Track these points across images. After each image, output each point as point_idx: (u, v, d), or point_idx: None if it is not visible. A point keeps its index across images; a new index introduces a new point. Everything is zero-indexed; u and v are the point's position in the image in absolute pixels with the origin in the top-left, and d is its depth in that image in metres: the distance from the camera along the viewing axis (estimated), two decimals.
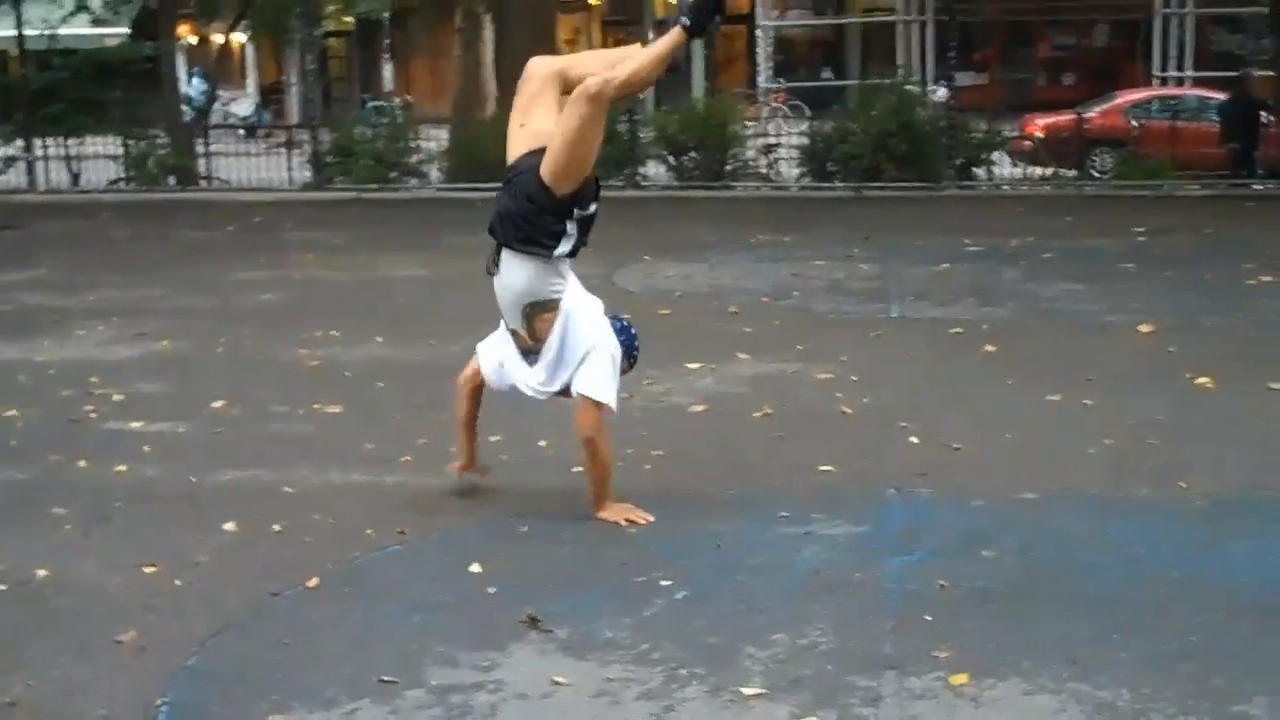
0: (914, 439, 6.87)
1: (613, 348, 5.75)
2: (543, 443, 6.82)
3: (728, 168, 18.64)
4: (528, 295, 5.70)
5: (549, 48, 20.62)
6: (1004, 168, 18.98)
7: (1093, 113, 21.23)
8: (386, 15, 35.27)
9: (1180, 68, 28.74)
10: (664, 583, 5.10)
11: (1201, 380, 7.84)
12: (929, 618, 4.74)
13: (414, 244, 14.12)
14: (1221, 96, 20.37)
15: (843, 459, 6.55)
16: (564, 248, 5.65)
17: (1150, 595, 4.94)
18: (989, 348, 8.81)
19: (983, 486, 6.15)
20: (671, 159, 18.83)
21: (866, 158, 17.64)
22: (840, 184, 18.00)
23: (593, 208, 5.71)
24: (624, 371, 5.88)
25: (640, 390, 7.87)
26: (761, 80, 29.19)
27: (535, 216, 5.57)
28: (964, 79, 22.14)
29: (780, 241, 13.62)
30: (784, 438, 6.97)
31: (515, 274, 5.68)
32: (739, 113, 20.00)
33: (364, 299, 11.14)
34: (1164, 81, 27.84)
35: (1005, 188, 18.18)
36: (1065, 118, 20.87)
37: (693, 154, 18.64)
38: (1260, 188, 17.90)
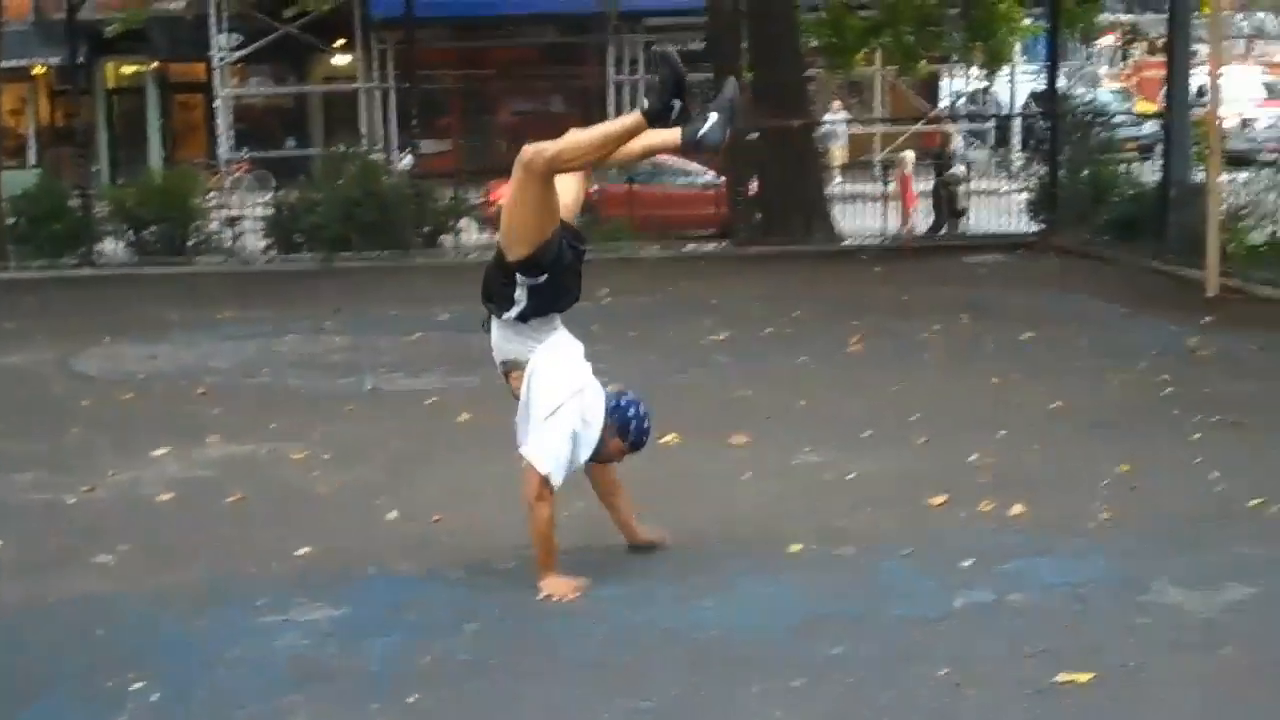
0: (393, 514, 6.81)
1: (578, 419, 5.62)
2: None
3: (190, 242, 18.14)
4: (500, 354, 5.81)
5: None
6: (471, 234, 19.23)
7: None
8: None
9: None
10: (136, 685, 4.84)
11: (667, 438, 8.10)
12: (414, 698, 4.68)
13: None
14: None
15: (321, 540, 6.42)
16: (512, 312, 5.67)
17: (631, 655, 5.05)
18: (464, 416, 8.85)
19: (464, 558, 6.15)
20: (130, 234, 18.18)
21: (333, 228, 17.51)
22: (308, 255, 17.80)
23: (543, 278, 5.61)
24: (625, 451, 5.86)
25: (104, 481, 7.54)
26: (223, 150, 28.63)
27: (494, 279, 5.71)
28: (428, 146, 22.36)
29: (248, 317, 13.32)
30: (259, 522, 6.78)
31: (493, 333, 5.82)
32: (200, 184, 19.52)
33: None
34: None
35: (473, 254, 18.40)
36: None
37: (152, 228, 18.04)
38: (711, 248, 18.82)
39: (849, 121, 28.98)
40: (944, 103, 31.76)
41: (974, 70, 25.76)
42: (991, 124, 29.98)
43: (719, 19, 19.13)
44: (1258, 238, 14.12)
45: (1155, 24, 23.24)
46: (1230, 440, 7.89)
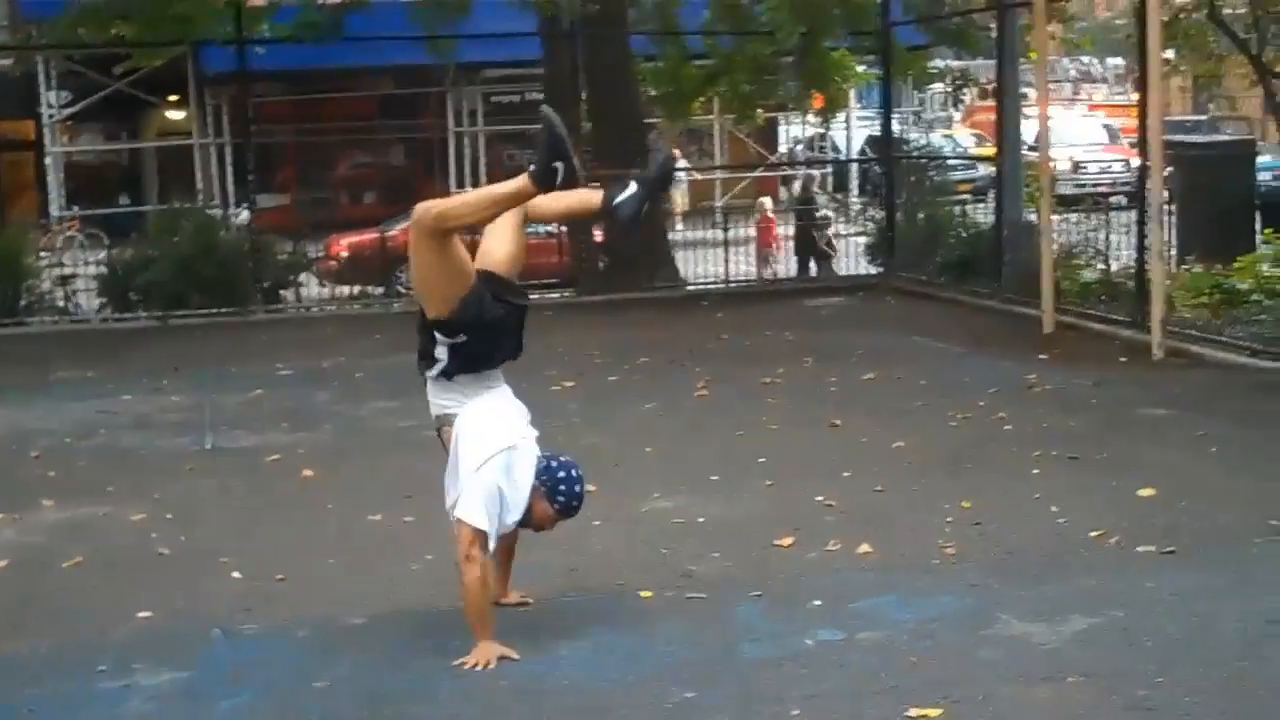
0: (236, 574, 6.69)
1: (503, 477, 5.49)
2: None
3: (22, 303, 17.71)
4: (433, 409, 5.75)
5: None
6: (312, 288, 19.02)
7: (395, 230, 21.64)
8: None
9: (475, 182, 29.89)
10: None
11: None
12: None
13: None
14: None
15: (163, 603, 6.29)
16: (434, 370, 5.65)
17: (482, 709, 5.00)
18: (307, 472, 8.73)
19: (310, 615, 6.06)
20: None
21: (170, 285, 17.21)
22: (145, 314, 17.46)
23: (460, 338, 5.50)
24: (555, 518, 5.71)
25: None
26: (55, 209, 28.06)
27: (419, 336, 5.69)
28: (266, 201, 22.12)
29: (84, 378, 13.01)
30: (98, 586, 6.62)
31: (427, 388, 5.76)
32: (31, 244, 19.08)
33: None
34: None
35: (314, 309, 18.22)
36: (369, 236, 21.16)
37: None
38: (556, 296, 18.80)
39: (689, 169, 29.21)
40: (782, 149, 32.19)
41: (811, 117, 26.10)
42: (829, 169, 30.41)
43: (556, 70, 19.19)
44: (1090, 275, 14.44)
45: (986, 69, 23.74)
46: (1068, 474, 8.05)
